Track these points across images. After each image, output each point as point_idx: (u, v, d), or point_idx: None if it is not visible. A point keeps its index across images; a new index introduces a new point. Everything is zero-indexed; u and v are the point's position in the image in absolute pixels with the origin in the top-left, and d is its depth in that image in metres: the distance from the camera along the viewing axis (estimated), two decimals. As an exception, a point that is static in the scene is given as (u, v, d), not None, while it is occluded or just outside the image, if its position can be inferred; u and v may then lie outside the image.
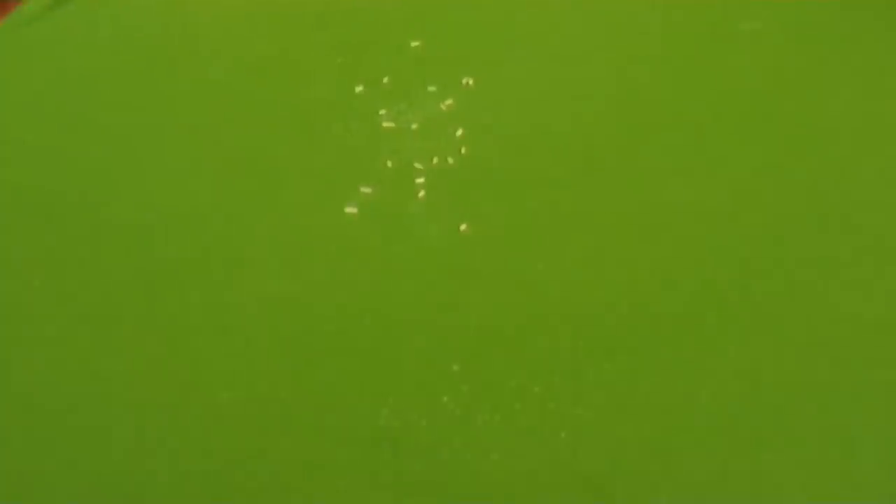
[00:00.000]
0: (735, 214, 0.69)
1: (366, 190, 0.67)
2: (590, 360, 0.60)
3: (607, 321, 0.62)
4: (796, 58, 0.83)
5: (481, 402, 0.57)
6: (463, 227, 0.66)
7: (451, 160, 0.70)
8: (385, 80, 0.75)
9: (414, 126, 0.72)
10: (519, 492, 0.54)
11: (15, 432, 0.54)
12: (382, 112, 0.73)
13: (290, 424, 0.55)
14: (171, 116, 0.72)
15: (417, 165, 0.69)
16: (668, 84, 0.79)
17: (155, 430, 0.55)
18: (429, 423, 0.56)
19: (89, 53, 0.75)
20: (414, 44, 0.78)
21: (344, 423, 0.56)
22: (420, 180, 0.68)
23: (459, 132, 0.72)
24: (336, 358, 0.59)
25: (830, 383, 0.60)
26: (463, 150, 0.71)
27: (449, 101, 0.74)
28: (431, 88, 0.75)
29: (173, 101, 0.73)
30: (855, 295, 0.65)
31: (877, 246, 0.68)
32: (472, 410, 0.56)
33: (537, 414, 0.57)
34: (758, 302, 0.64)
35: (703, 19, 0.85)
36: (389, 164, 0.69)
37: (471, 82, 0.76)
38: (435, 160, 0.70)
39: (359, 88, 0.74)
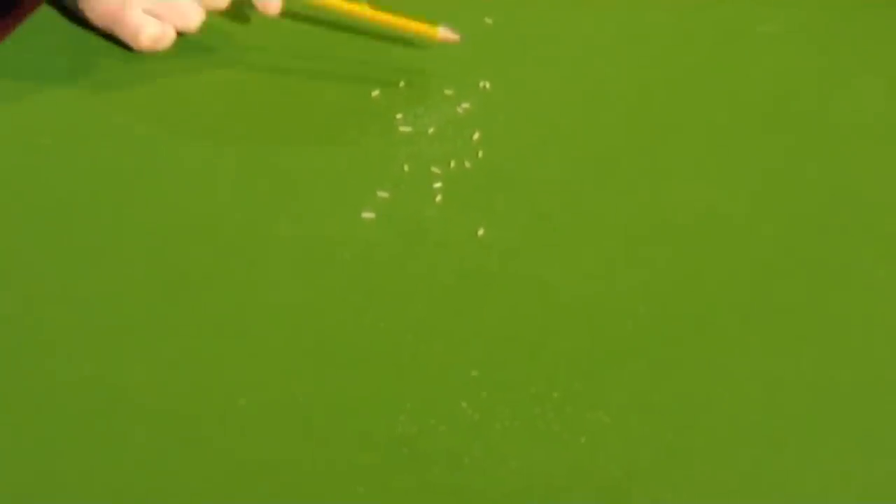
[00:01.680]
0: (754, 218, 0.69)
1: (383, 195, 0.67)
2: (609, 364, 0.59)
3: (626, 325, 0.61)
4: (814, 61, 0.82)
5: (500, 407, 0.57)
6: (480, 231, 0.66)
7: (468, 164, 0.70)
8: (401, 83, 0.75)
9: (431, 130, 0.72)
10: (538, 497, 0.54)
11: (29, 438, 0.54)
12: (399, 116, 0.72)
13: (307, 430, 0.55)
14: (187, 120, 0.72)
15: (434, 170, 0.69)
16: (684, 87, 0.78)
17: (171, 435, 0.55)
18: (448, 429, 0.55)
19: (106, 55, 0.75)
20: (430, 47, 0.77)
21: (362, 429, 0.56)
22: (437, 185, 0.68)
23: (476, 136, 0.72)
24: (353, 363, 0.58)
25: (851, 388, 0.60)
26: (480, 154, 0.71)
27: (466, 105, 0.74)
28: (448, 92, 0.75)
29: (188, 104, 0.73)
30: (876, 299, 0.65)
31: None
32: (491, 416, 0.56)
33: (556, 419, 0.56)
34: (777, 305, 0.64)
35: (719, 22, 0.85)
36: (406, 168, 0.69)
37: (487, 85, 0.75)
38: (452, 164, 0.70)
39: (375, 93, 0.74)
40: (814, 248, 0.68)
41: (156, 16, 0.73)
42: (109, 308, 0.60)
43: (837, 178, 0.73)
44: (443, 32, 0.76)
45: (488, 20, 0.80)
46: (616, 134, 0.74)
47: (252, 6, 0.76)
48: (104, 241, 0.63)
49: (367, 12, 0.77)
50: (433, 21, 0.76)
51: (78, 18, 0.76)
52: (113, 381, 0.57)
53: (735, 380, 0.59)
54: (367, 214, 0.66)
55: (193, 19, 0.74)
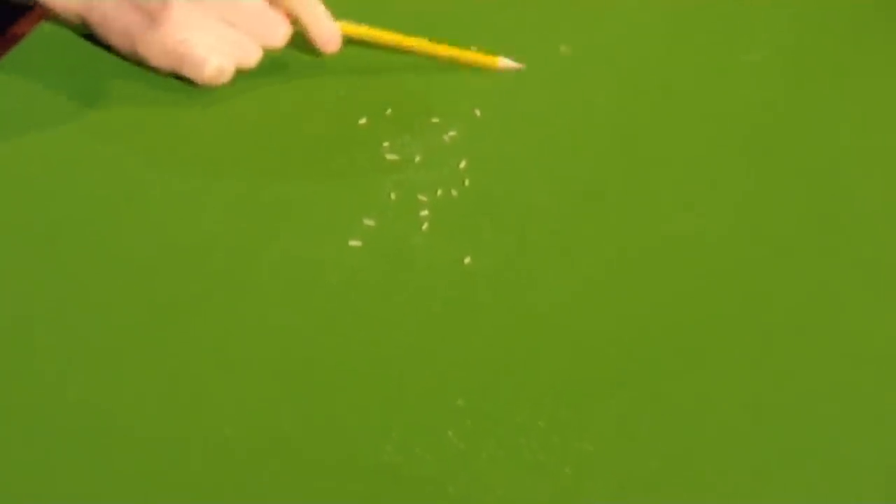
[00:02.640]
0: (739, 245, 0.69)
1: (369, 223, 0.67)
2: (595, 393, 0.60)
3: (612, 354, 0.62)
4: (798, 89, 0.83)
5: (486, 436, 0.57)
6: (467, 259, 0.66)
7: (454, 192, 0.70)
8: (388, 111, 0.75)
9: (417, 158, 0.72)
10: (524, 527, 0.54)
11: (15, 462, 0.54)
12: (385, 144, 0.73)
13: (292, 458, 0.55)
14: (176, 147, 0.72)
15: (421, 197, 0.69)
16: (670, 115, 0.79)
17: (158, 465, 0.55)
18: (433, 458, 0.56)
19: (97, 77, 0.75)
20: (417, 75, 0.78)
21: (347, 458, 0.56)
22: (424, 213, 0.68)
23: (463, 164, 0.72)
24: (339, 392, 0.59)
25: (840, 415, 0.60)
26: (466, 182, 0.71)
27: (452, 133, 0.74)
28: (435, 120, 0.75)
29: (178, 131, 0.73)
30: (863, 324, 0.65)
31: (883, 274, 0.68)
32: (477, 445, 0.56)
33: (542, 449, 0.56)
34: (764, 333, 0.64)
35: (703, 51, 0.85)
36: (393, 196, 0.69)
37: (476, 113, 0.76)
38: (439, 192, 0.70)
39: (362, 121, 0.74)
40: (798, 274, 0.68)
41: (218, 51, 0.73)
42: (97, 333, 0.60)
43: (821, 204, 0.73)
44: (502, 62, 0.79)
45: (474, 49, 0.81)
46: (602, 162, 0.74)
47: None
48: (93, 265, 0.63)
49: (427, 46, 0.79)
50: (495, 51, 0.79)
51: (75, 39, 0.75)
52: (98, 408, 0.57)
53: (721, 408, 0.60)
54: (354, 242, 0.66)
55: (251, 56, 0.74)
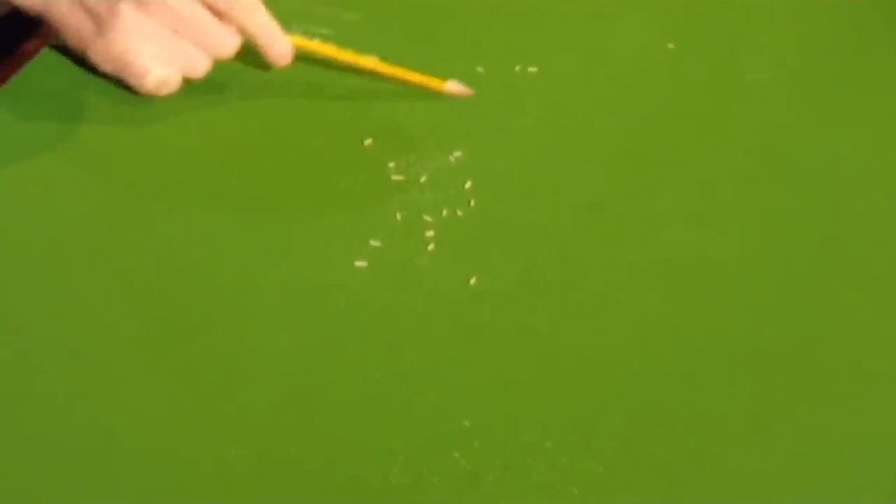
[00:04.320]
0: (745, 266, 0.69)
1: (375, 243, 0.67)
2: (601, 414, 0.59)
3: (619, 375, 0.62)
4: (803, 108, 0.83)
5: (493, 458, 0.57)
6: (472, 280, 0.66)
7: (460, 212, 0.70)
8: (393, 132, 0.76)
9: (423, 178, 0.72)
10: (531, 549, 0.54)
11: (21, 487, 0.54)
12: (391, 165, 0.73)
13: (300, 481, 0.55)
14: (180, 169, 0.72)
15: (427, 218, 0.69)
16: (674, 134, 0.79)
17: (164, 486, 0.54)
18: (440, 480, 0.55)
19: (101, 101, 0.75)
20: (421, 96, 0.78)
21: (354, 480, 0.55)
22: (429, 233, 0.68)
23: (468, 184, 0.72)
24: (346, 414, 0.58)
25: (848, 435, 0.60)
26: (472, 203, 0.71)
27: (458, 153, 0.74)
28: (440, 140, 0.75)
29: (182, 153, 0.73)
30: (868, 347, 0.65)
31: (888, 297, 0.68)
32: (484, 467, 0.56)
33: (549, 470, 0.56)
34: (770, 354, 0.64)
35: (708, 70, 0.85)
36: (398, 217, 0.69)
37: (480, 134, 0.76)
38: (444, 212, 0.70)
39: (367, 141, 0.74)
40: (805, 295, 0.68)
41: (162, 60, 0.73)
42: (101, 358, 0.60)
43: (827, 222, 0.73)
44: (451, 86, 0.77)
45: (480, 69, 0.81)
46: (607, 182, 0.74)
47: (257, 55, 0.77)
48: (97, 289, 0.63)
49: (377, 65, 0.78)
50: (441, 75, 0.78)
51: (80, 61, 0.76)
52: (104, 432, 0.56)
53: (729, 429, 0.60)
54: (360, 263, 0.66)
55: (199, 67, 0.74)
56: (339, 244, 0.67)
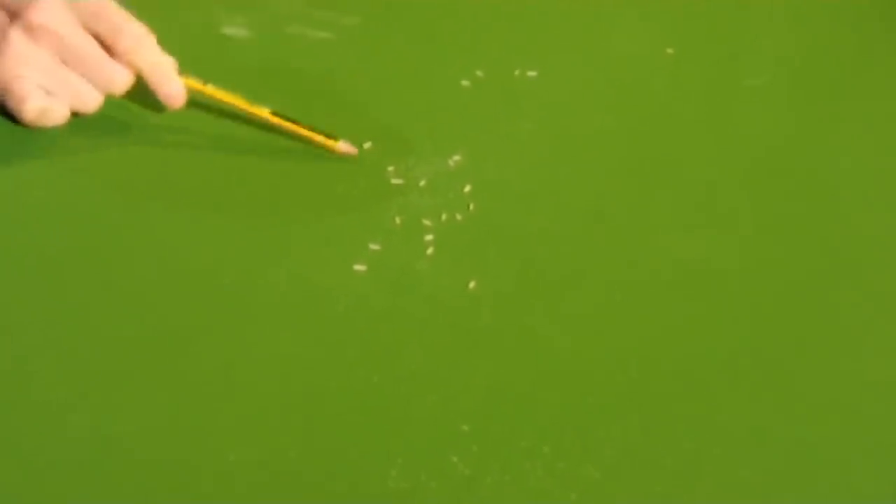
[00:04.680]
0: (744, 270, 0.69)
1: (374, 247, 0.67)
2: (599, 419, 0.60)
3: (617, 380, 0.62)
4: (801, 113, 0.83)
5: (491, 462, 0.57)
6: (472, 284, 0.66)
7: (459, 216, 0.70)
8: (392, 136, 0.76)
9: (422, 183, 0.72)
10: (529, 553, 0.54)
11: (22, 492, 0.54)
12: (390, 169, 0.73)
13: (298, 485, 0.55)
14: (181, 175, 0.72)
15: (426, 222, 0.69)
16: (673, 139, 0.79)
17: (163, 491, 0.55)
18: (438, 485, 0.55)
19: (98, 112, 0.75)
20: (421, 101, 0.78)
21: (353, 484, 0.55)
22: (429, 237, 0.68)
23: (467, 188, 0.72)
24: (344, 417, 0.58)
25: (843, 443, 0.60)
26: (471, 207, 0.71)
27: (457, 158, 0.74)
28: (439, 144, 0.75)
29: (181, 158, 0.73)
30: (867, 353, 0.65)
31: (887, 304, 0.68)
32: (482, 471, 0.56)
33: (547, 475, 0.56)
34: (768, 359, 0.64)
35: (708, 75, 0.85)
36: (398, 220, 0.69)
37: (479, 139, 0.76)
38: (443, 217, 0.70)
39: (366, 145, 0.74)
40: (804, 300, 0.68)
41: (49, 91, 0.70)
42: (100, 362, 0.60)
43: (827, 229, 0.73)
44: (343, 146, 0.74)
45: (479, 73, 0.81)
46: (606, 187, 0.74)
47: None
48: (95, 295, 0.63)
49: (269, 116, 0.74)
50: (334, 130, 0.74)
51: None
52: (104, 437, 0.56)
53: (727, 434, 0.60)
54: (359, 267, 0.66)
55: (88, 101, 0.71)
56: (339, 248, 0.67)
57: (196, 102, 0.75)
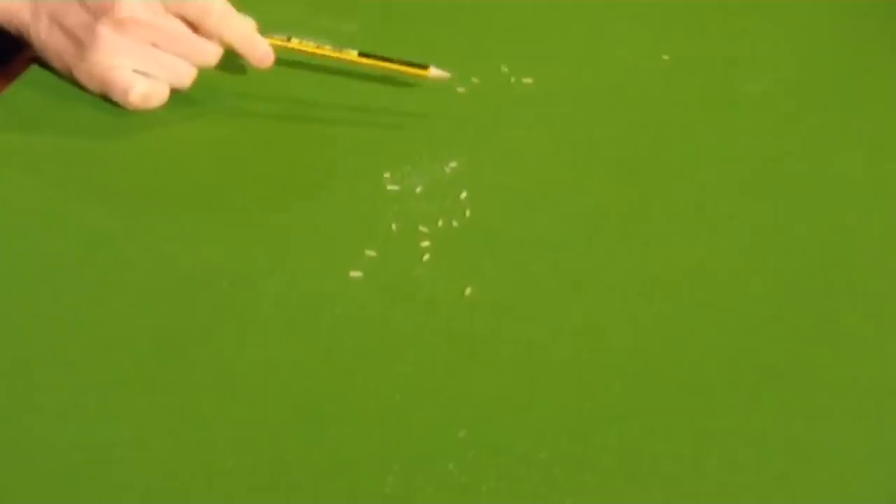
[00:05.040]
0: (740, 277, 0.69)
1: (371, 254, 0.67)
2: (596, 425, 0.59)
3: (613, 386, 0.62)
4: (800, 119, 0.83)
5: (487, 468, 0.57)
6: (468, 290, 0.66)
7: (455, 223, 0.70)
8: (389, 142, 0.76)
9: (418, 189, 0.72)
10: (525, 560, 0.54)
11: (18, 497, 0.54)
12: (386, 175, 0.73)
13: (295, 491, 0.55)
14: (175, 179, 0.72)
15: (422, 228, 0.70)
16: (671, 146, 0.79)
17: (160, 497, 0.54)
18: (434, 491, 0.55)
19: (95, 114, 0.75)
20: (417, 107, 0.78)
21: (349, 490, 0.55)
22: (425, 244, 0.68)
23: (464, 195, 0.72)
24: (341, 424, 0.58)
25: (839, 447, 0.60)
26: (467, 213, 0.71)
27: (453, 164, 0.74)
28: (436, 151, 0.75)
29: (177, 163, 0.73)
30: (863, 358, 0.65)
31: (884, 309, 0.68)
32: (478, 478, 0.56)
33: (543, 481, 0.56)
34: (764, 366, 0.64)
35: (706, 81, 0.86)
36: (394, 227, 0.69)
37: (475, 145, 0.76)
38: (440, 223, 0.70)
39: (363, 151, 0.74)
40: (802, 307, 0.68)
41: (145, 74, 0.74)
42: (98, 368, 0.60)
43: (825, 236, 0.73)
44: (434, 72, 0.78)
45: (475, 80, 0.81)
46: (603, 193, 0.74)
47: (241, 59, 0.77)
48: (92, 301, 0.63)
49: (356, 58, 0.78)
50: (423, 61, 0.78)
51: (67, 78, 0.76)
52: (101, 442, 0.56)
53: (724, 440, 0.60)
54: (355, 273, 0.66)
55: (185, 77, 0.75)
56: (335, 255, 0.67)
57: (196, 110, 0.75)
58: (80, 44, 0.73)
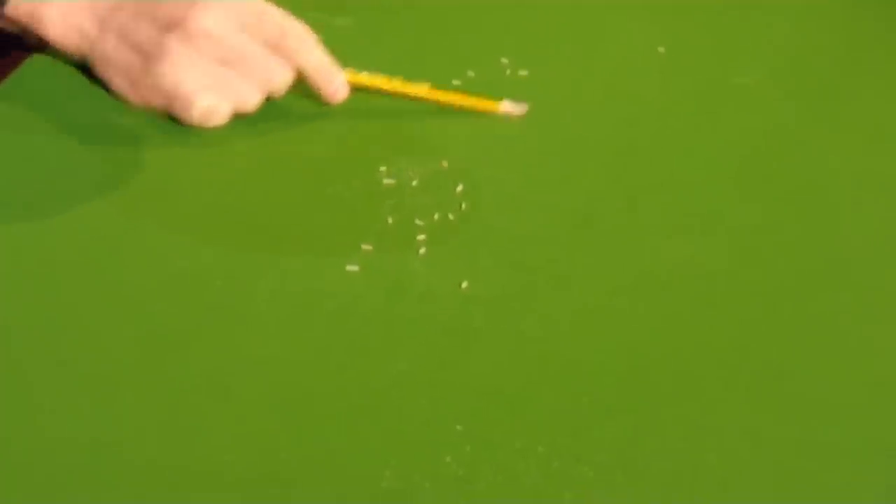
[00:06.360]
0: (735, 271, 0.69)
1: (367, 247, 0.67)
2: (593, 419, 0.59)
3: (610, 380, 0.62)
4: (791, 112, 0.83)
5: (484, 462, 0.57)
6: (464, 284, 0.66)
7: (451, 216, 0.70)
8: (385, 136, 0.76)
9: (414, 182, 0.72)
10: (523, 554, 0.54)
11: (14, 498, 0.54)
12: (382, 169, 0.73)
13: (292, 487, 0.55)
14: (171, 177, 0.72)
15: (418, 222, 0.69)
16: (663, 140, 0.79)
17: (156, 495, 0.54)
18: (432, 485, 0.55)
19: (96, 110, 0.75)
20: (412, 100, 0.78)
21: (346, 485, 0.55)
22: (421, 237, 0.68)
23: (460, 188, 0.72)
24: (337, 419, 0.58)
25: (835, 443, 0.60)
26: (463, 206, 0.71)
27: (449, 157, 0.74)
28: (431, 144, 0.75)
29: (171, 162, 0.73)
30: (858, 353, 0.65)
31: (879, 303, 0.68)
32: (476, 471, 0.56)
33: (541, 474, 0.56)
34: (760, 360, 0.64)
35: (697, 74, 0.85)
36: (390, 220, 0.69)
37: (471, 138, 0.76)
38: (436, 216, 0.70)
39: (358, 145, 0.74)
40: (796, 303, 0.68)
41: (210, 90, 0.71)
42: (95, 368, 0.60)
43: (818, 230, 0.73)
44: (506, 106, 0.78)
45: (470, 73, 0.81)
46: (598, 187, 0.74)
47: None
48: (90, 300, 0.63)
49: (427, 93, 0.78)
50: (489, 96, 0.78)
51: (68, 69, 0.75)
52: (96, 440, 0.56)
53: (721, 434, 0.60)
54: (351, 267, 0.66)
55: (249, 100, 0.73)
56: (331, 248, 0.67)
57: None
58: (148, 57, 0.71)
